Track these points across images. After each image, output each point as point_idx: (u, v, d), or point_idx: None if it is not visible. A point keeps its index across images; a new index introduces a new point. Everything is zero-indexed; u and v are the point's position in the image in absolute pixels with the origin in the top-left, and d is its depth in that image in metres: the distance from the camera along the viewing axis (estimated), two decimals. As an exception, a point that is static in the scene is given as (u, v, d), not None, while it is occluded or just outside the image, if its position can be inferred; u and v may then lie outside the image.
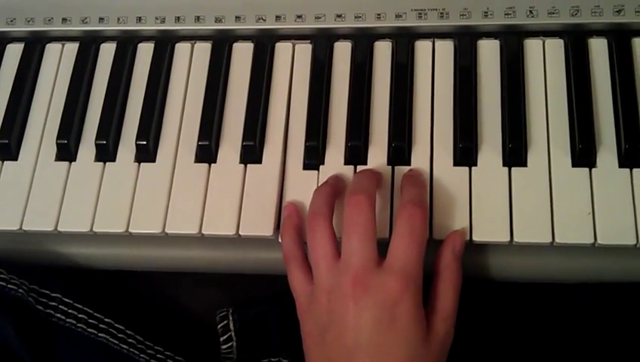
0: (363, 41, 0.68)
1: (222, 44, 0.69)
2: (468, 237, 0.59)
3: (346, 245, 0.56)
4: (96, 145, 0.66)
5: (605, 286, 0.62)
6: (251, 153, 0.64)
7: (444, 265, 0.57)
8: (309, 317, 0.57)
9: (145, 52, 0.70)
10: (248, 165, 0.64)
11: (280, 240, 0.61)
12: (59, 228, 0.64)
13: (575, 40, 0.65)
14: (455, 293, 0.57)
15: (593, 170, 0.60)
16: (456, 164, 0.62)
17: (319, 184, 0.62)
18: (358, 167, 0.63)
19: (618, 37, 0.65)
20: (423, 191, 0.59)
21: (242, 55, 0.69)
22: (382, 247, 0.56)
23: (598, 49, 0.65)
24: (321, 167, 0.63)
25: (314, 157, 0.64)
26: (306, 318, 0.58)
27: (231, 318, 0.67)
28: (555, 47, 0.65)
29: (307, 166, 0.64)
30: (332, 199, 0.59)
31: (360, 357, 0.53)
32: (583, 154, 0.60)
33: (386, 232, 0.60)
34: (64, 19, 0.71)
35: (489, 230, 0.59)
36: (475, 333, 0.63)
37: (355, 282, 0.54)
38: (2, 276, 0.62)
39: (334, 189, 0.60)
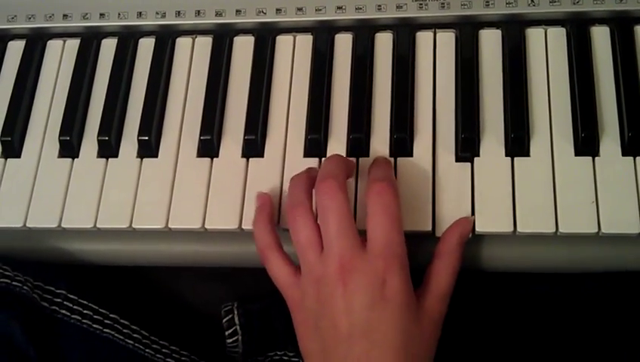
0: (364, 33, 0.67)
1: (223, 38, 0.69)
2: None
3: (326, 233, 0.56)
4: (99, 142, 0.66)
5: (609, 276, 0.61)
6: (253, 147, 0.64)
7: (447, 248, 0.57)
8: (301, 308, 0.57)
9: (146, 47, 0.70)
10: (250, 159, 0.64)
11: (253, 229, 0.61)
12: (62, 225, 0.64)
13: (577, 28, 0.65)
14: (452, 277, 0.57)
15: (596, 158, 0.60)
16: (458, 154, 0.62)
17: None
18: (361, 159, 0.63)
19: (620, 25, 0.64)
20: (387, 168, 0.59)
21: (243, 49, 0.69)
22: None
23: (601, 37, 0.64)
24: (323, 159, 0.63)
25: (316, 150, 0.63)
26: (297, 309, 0.58)
27: (236, 312, 0.67)
28: (557, 36, 0.65)
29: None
30: (309, 187, 0.59)
31: (356, 340, 0.53)
32: (586, 143, 0.60)
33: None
34: (65, 16, 0.71)
35: (492, 220, 0.59)
36: (475, 324, 0.63)
37: (342, 268, 0.54)
38: (7, 273, 0.62)
39: (310, 178, 0.60)
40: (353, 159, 0.62)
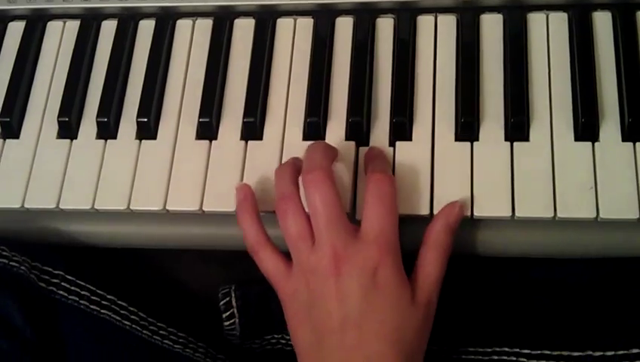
0: (365, 17, 0.67)
1: (223, 21, 0.69)
2: (468, 212, 0.58)
3: (316, 224, 0.56)
4: (98, 123, 0.66)
5: (607, 262, 0.61)
6: (252, 129, 0.64)
7: (434, 234, 0.57)
8: (293, 300, 0.57)
9: (146, 29, 0.70)
10: (249, 142, 0.64)
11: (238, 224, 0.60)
12: (60, 206, 0.64)
13: (579, 13, 0.64)
14: (441, 262, 0.57)
15: (596, 144, 0.60)
16: (457, 139, 0.62)
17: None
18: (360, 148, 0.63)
19: (622, 10, 0.64)
20: (385, 162, 0.59)
21: (243, 31, 0.69)
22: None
23: (603, 22, 0.64)
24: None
25: (315, 133, 0.63)
26: (289, 302, 0.58)
27: (233, 295, 0.67)
28: (559, 21, 0.65)
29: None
30: (296, 177, 0.59)
31: (350, 327, 0.53)
32: (586, 128, 0.60)
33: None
34: (65, -3, 0.71)
35: (490, 205, 0.59)
36: (472, 309, 0.63)
37: (334, 258, 0.54)
38: (4, 253, 0.62)
39: (295, 167, 0.60)
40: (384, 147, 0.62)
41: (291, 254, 0.58)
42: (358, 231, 0.56)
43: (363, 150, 0.62)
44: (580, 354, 0.58)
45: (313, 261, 0.55)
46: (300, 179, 0.58)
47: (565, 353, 0.58)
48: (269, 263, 0.59)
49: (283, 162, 0.61)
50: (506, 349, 0.59)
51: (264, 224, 0.60)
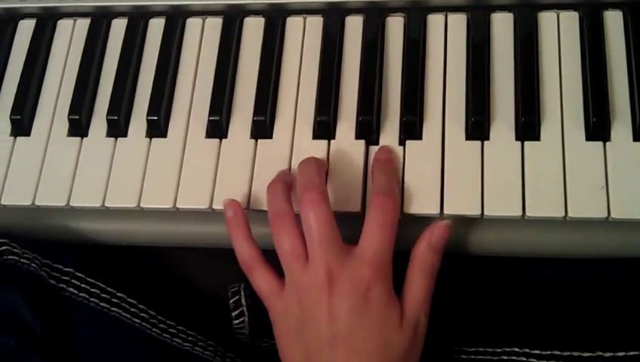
0: (374, 15, 0.67)
1: (233, 19, 0.69)
2: (449, 231, 0.58)
3: (311, 243, 0.56)
4: (108, 121, 0.66)
5: (618, 262, 0.61)
6: (262, 128, 0.64)
7: (418, 255, 0.57)
8: (284, 317, 0.58)
9: (156, 27, 0.70)
10: (259, 140, 0.64)
11: (232, 243, 0.61)
12: (71, 204, 0.64)
13: (590, 13, 0.64)
14: (426, 283, 0.57)
15: (607, 143, 0.60)
16: (468, 138, 0.61)
17: (330, 158, 0.62)
18: (369, 147, 0.63)
19: (634, 9, 0.64)
20: (392, 178, 0.59)
21: (253, 30, 0.69)
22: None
23: (614, 21, 0.64)
24: (332, 141, 0.63)
25: (325, 132, 0.63)
26: (280, 319, 0.59)
27: (243, 294, 0.67)
28: (570, 20, 0.65)
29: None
30: (288, 194, 0.59)
31: (339, 346, 0.54)
32: (597, 128, 0.60)
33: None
34: (75, -5, 0.71)
35: (501, 204, 0.59)
36: (480, 308, 0.63)
37: (328, 277, 0.55)
38: (15, 250, 0.62)
39: (285, 183, 0.60)
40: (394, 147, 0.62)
41: (284, 272, 0.58)
42: (353, 250, 0.56)
43: (373, 149, 0.62)
44: (591, 354, 0.57)
45: (306, 279, 0.56)
46: (294, 196, 0.58)
47: (575, 353, 0.58)
48: (262, 282, 0.60)
49: (273, 178, 0.61)
50: (516, 349, 0.59)
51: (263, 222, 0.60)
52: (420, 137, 0.62)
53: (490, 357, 0.60)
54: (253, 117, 0.64)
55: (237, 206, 0.61)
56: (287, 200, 0.59)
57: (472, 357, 0.61)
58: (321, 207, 0.56)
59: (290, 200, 0.59)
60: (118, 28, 0.71)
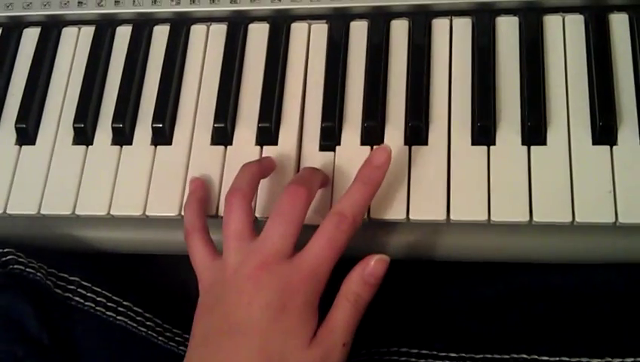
0: (379, 20, 0.67)
1: (237, 26, 0.69)
2: (385, 266, 0.56)
3: (268, 229, 0.56)
4: (113, 129, 0.66)
5: (626, 267, 0.61)
6: (267, 135, 0.64)
7: (349, 283, 0.56)
8: (208, 290, 0.58)
9: (161, 34, 0.70)
10: (264, 147, 0.64)
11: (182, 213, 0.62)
12: (76, 212, 0.64)
13: (596, 16, 0.64)
14: (350, 312, 0.55)
15: (614, 147, 0.59)
16: (474, 143, 0.61)
17: (335, 164, 0.62)
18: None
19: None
20: (368, 195, 0.58)
21: (258, 36, 0.68)
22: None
23: (619, 24, 0.63)
24: (337, 147, 0.63)
25: (330, 138, 0.63)
26: (204, 291, 0.58)
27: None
28: (576, 23, 0.64)
29: (323, 147, 0.63)
30: (257, 179, 0.60)
31: (239, 337, 0.53)
32: (604, 131, 0.59)
33: (403, 213, 0.59)
34: (80, 3, 0.71)
35: (508, 210, 0.58)
36: (488, 313, 0.62)
37: (262, 266, 0.55)
38: (20, 259, 0.62)
39: (262, 169, 0.60)
40: (400, 150, 0.62)
41: (223, 246, 0.58)
42: (296, 254, 0.56)
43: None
44: (599, 360, 0.57)
45: (241, 259, 0.56)
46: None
47: (584, 359, 0.57)
48: (195, 249, 0.60)
49: (255, 160, 0.62)
50: (524, 356, 0.59)
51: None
52: (425, 143, 0.62)
53: (498, 364, 0.60)
54: (259, 123, 0.64)
55: (199, 183, 0.62)
56: (252, 182, 0.59)
57: (480, 363, 0.61)
58: (300, 206, 0.56)
59: (256, 185, 0.60)
60: (123, 35, 0.71)
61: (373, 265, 0.56)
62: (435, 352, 0.60)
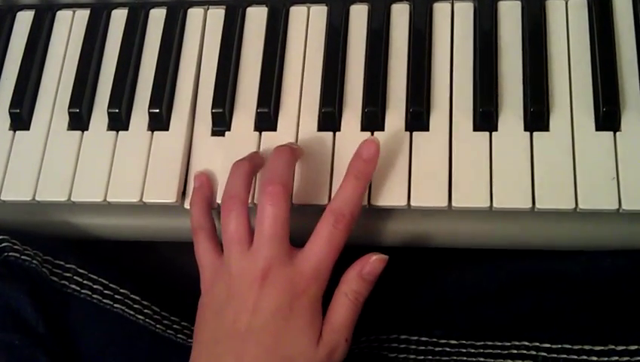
0: (380, 4, 0.66)
1: (235, 9, 0.68)
2: (383, 265, 0.57)
3: (260, 234, 0.56)
4: (109, 114, 0.65)
5: (629, 253, 0.60)
6: (266, 120, 0.63)
7: (347, 280, 0.57)
8: (211, 291, 0.58)
9: (157, 18, 0.69)
10: (263, 132, 0.63)
11: (189, 209, 0.62)
12: (72, 199, 0.63)
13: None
14: (350, 309, 0.56)
15: (617, 133, 0.59)
16: (476, 128, 0.60)
17: (334, 149, 0.61)
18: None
19: (643, -6, 0.63)
20: (361, 190, 0.58)
21: (256, 20, 0.68)
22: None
23: (623, 8, 0.63)
24: (337, 133, 0.62)
25: (330, 123, 0.62)
26: (206, 292, 0.59)
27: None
28: (578, 7, 0.63)
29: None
30: (250, 178, 0.59)
31: (250, 341, 0.54)
32: (608, 117, 0.59)
33: (404, 199, 0.59)
34: (74, -14, 0.70)
35: (510, 196, 0.58)
36: (491, 301, 0.62)
37: (265, 271, 0.55)
38: (16, 247, 0.62)
39: (252, 166, 0.60)
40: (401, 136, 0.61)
41: (225, 252, 0.58)
42: (296, 253, 0.56)
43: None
44: (602, 347, 0.57)
45: (243, 265, 0.56)
46: (259, 184, 0.59)
47: (587, 347, 0.57)
48: (201, 248, 0.60)
49: (243, 156, 0.61)
50: (526, 343, 0.58)
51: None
52: (427, 128, 0.61)
53: (499, 351, 0.60)
54: (257, 109, 0.63)
55: (204, 178, 0.62)
56: (246, 184, 0.59)
57: (481, 351, 0.60)
58: (281, 204, 0.56)
59: (250, 185, 0.59)
60: (118, 19, 0.70)
61: (371, 264, 0.56)
62: (434, 339, 0.60)
